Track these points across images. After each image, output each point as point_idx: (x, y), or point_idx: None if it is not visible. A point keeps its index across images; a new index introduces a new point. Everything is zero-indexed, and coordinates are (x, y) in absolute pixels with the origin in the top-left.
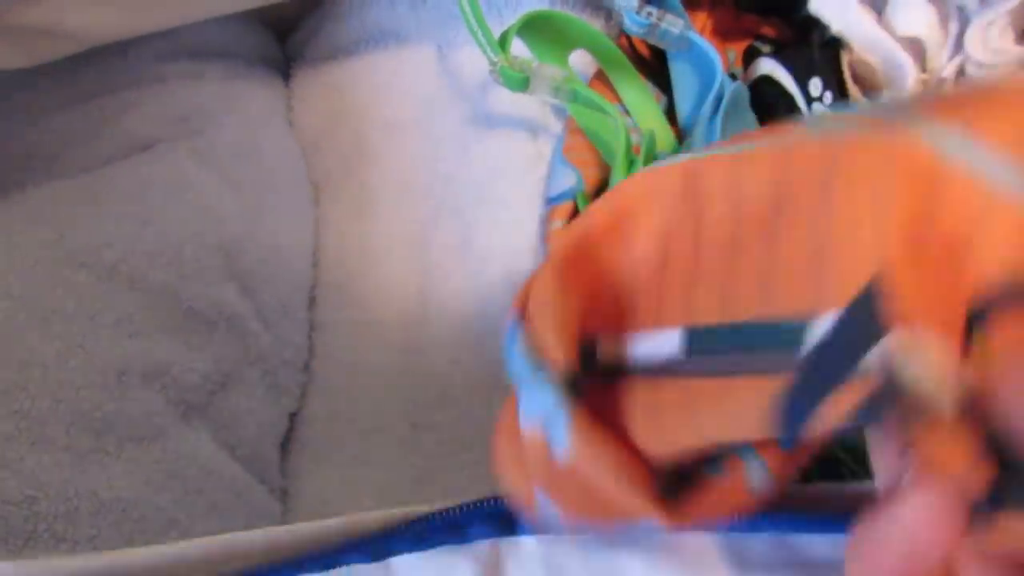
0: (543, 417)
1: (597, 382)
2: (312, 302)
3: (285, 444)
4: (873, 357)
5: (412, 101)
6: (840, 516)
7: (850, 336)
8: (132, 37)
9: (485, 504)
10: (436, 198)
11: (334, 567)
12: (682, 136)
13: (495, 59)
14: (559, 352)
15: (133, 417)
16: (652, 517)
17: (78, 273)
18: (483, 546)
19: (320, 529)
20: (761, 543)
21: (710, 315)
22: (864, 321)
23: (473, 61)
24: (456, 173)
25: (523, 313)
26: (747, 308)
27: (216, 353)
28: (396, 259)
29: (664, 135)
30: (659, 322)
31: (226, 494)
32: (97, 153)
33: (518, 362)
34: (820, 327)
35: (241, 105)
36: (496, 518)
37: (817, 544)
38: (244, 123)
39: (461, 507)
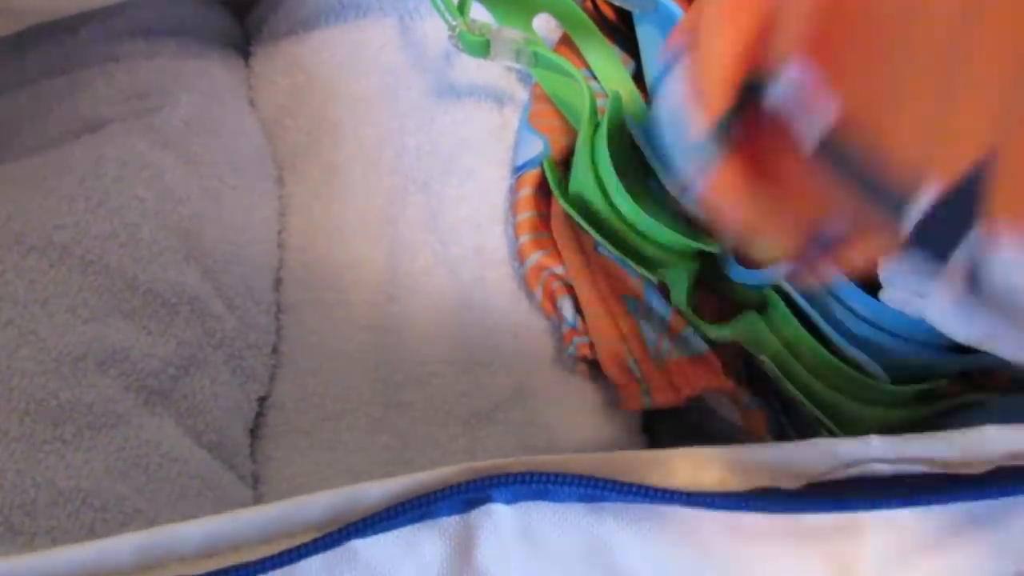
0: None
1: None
2: (279, 283)
3: (255, 429)
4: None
5: (376, 74)
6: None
7: (943, 223)
8: (80, 13)
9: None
10: (403, 173)
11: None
12: (651, 100)
13: (453, 23)
14: (720, 88)
15: (91, 404)
16: None
17: (28, 257)
18: (451, 521)
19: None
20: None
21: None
22: (959, 208)
23: (437, 31)
24: (422, 146)
25: (687, 42)
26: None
27: (178, 337)
28: (364, 236)
29: (632, 98)
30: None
31: (192, 481)
32: (47, 135)
33: (673, 97)
34: (920, 204)
35: (197, 83)
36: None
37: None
38: (201, 101)
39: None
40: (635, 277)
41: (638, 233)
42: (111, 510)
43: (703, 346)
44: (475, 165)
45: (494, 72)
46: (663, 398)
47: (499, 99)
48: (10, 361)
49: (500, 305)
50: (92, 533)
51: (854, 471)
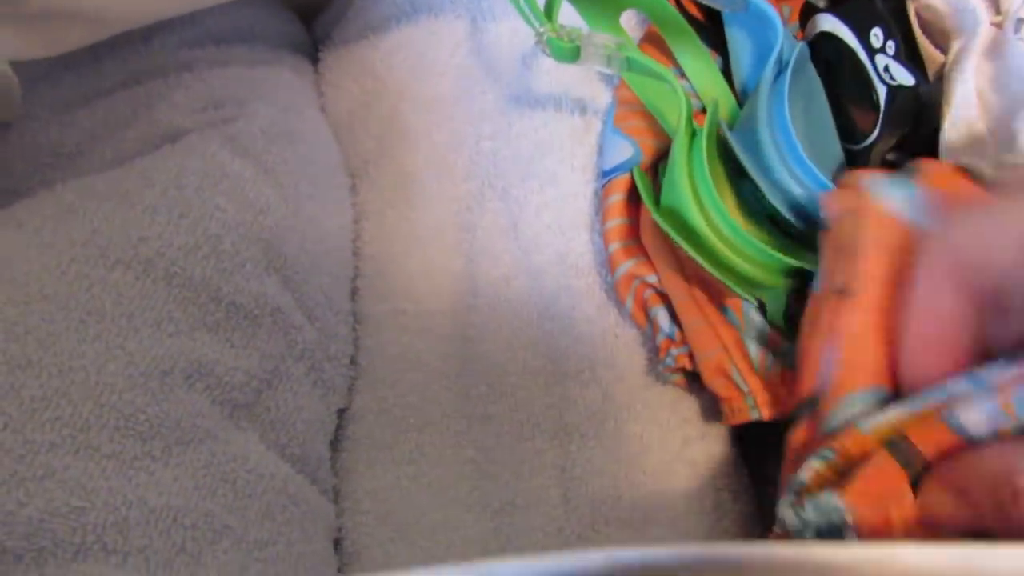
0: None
1: None
2: (355, 293)
3: (335, 442)
4: None
5: (449, 77)
6: None
7: None
8: (153, 22)
9: None
10: (479, 178)
11: None
12: (741, 100)
13: (541, 29)
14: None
15: (179, 420)
16: None
17: (114, 271)
18: None
19: None
20: None
21: None
22: None
23: (511, 32)
24: (500, 150)
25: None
26: None
27: (261, 349)
28: (440, 244)
29: (726, 101)
30: None
31: (278, 497)
32: (126, 146)
33: None
34: None
35: (271, 91)
36: None
37: None
38: (276, 110)
39: None
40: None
41: (735, 250)
42: (201, 528)
43: None
44: (556, 170)
45: (572, 73)
46: (770, 412)
47: (579, 101)
48: (99, 377)
49: (587, 314)
50: (183, 552)
51: None
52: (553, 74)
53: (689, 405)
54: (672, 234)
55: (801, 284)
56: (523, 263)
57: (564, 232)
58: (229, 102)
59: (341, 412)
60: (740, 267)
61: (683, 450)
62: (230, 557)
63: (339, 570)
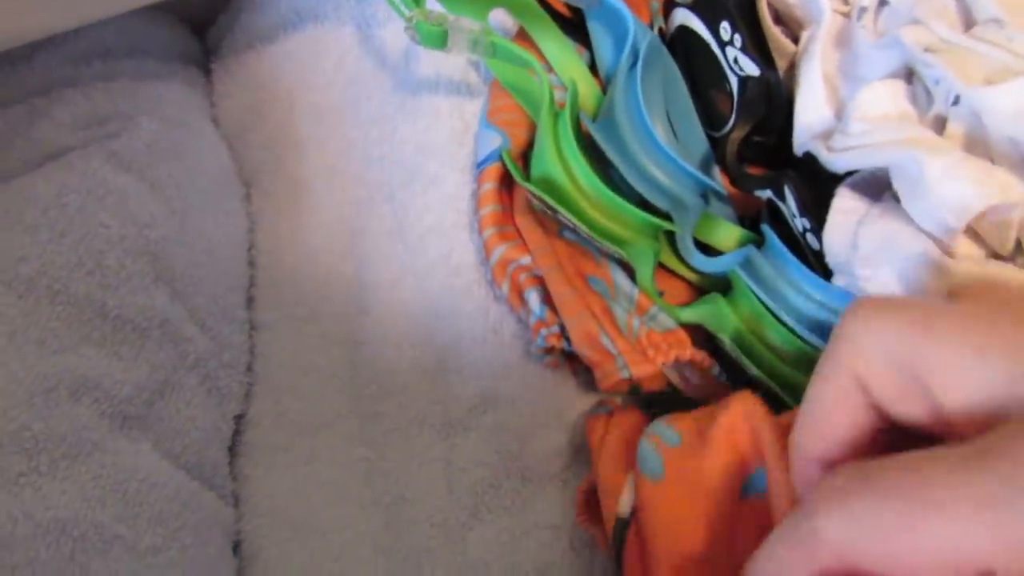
0: None
1: None
2: (251, 302)
3: (233, 447)
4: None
5: (336, 85)
6: None
7: None
8: (37, 40)
9: None
10: (368, 183)
11: None
12: (605, 87)
13: (409, 14)
14: None
15: (65, 434)
16: None
17: None
18: None
19: None
20: None
21: None
22: None
23: (395, 37)
24: (386, 155)
25: None
26: None
27: (150, 361)
28: (331, 250)
29: (587, 86)
30: None
31: (171, 504)
32: (9, 166)
33: None
34: None
35: (157, 104)
36: None
37: None
38: (162, 122)
39: None
40: (600, 259)
41: (602, 210)
42: (90, 538)
43: (671, 322)
44: (439, 172)
45: (454, 75)
46: (640, 370)
47: (460, 103)
48: None
49: (468, 312)
50: (72, 562)
51: None
52: (435, 79)
53: (567, 393)
54: (542, 195)
55: (669, 254)
56: (409, 265)
57: (446, 233)
58: (114, 117)
59: (239, 418)
60: (606, 226)
61: (564, 439)
62: (121, 565)
63: (238, 572)
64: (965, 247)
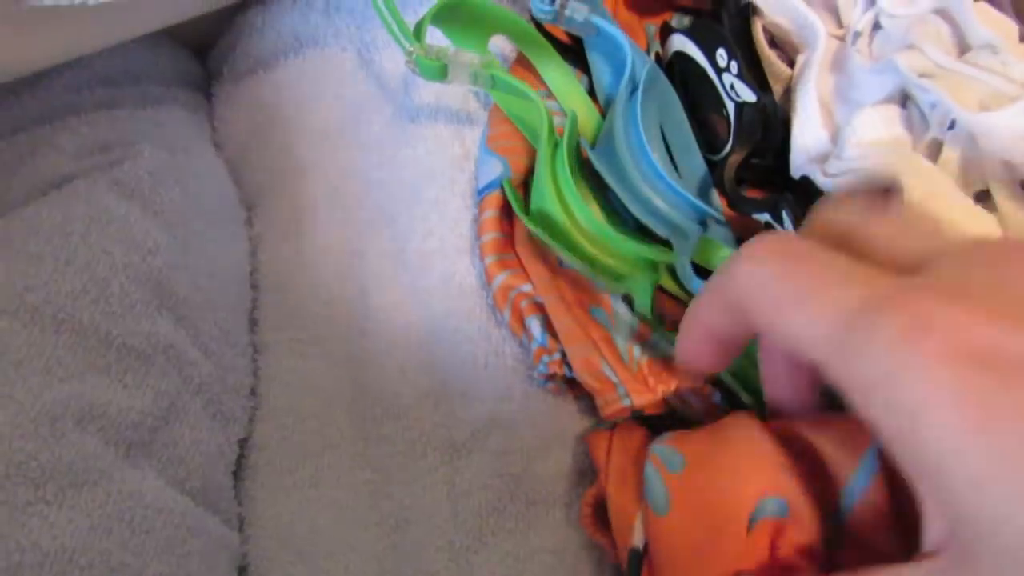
0: None
1: None
2: (254, 324)
3: (238, 471)
4: None
5: (337, 109)
6: None
7: None
8: (41, 70)
9: None
10: (369, 207)
11: None
12: (604, 113)
13: (410, 48)
14: None
15: (71, 463)
16: None
17: None
18: None
19: None
20: None
21: None
22: None
23: (395, 62)
24: (387, 179)
25: None
26: None
27: (155, 387)
28: (334, 273)
29: (587, 112)
30: None
31: (177, 530)
32: (12, 195)
33: None
34: None
35: (159, 130)
36: None
37: None
38: (164, 149)
39: None
40: (601, 288)
41: (599, 246)
42: (97, 566)
43: (672, 350)
44: (440, 196)
45: (454, 101)
46: (641, 399)
47: (460, 128)
48: None
49: (470, 335)
50: None
51: None
52: (435, 103)
53: (569, 415)
54: (539, 234)
55: (668, 281)
56: (411, 288)
57: (448, 256)
58: (116, 145)
59: (244, 441)
60: (602, 260)
61: (568, 461)
62: None
63: None
64: None
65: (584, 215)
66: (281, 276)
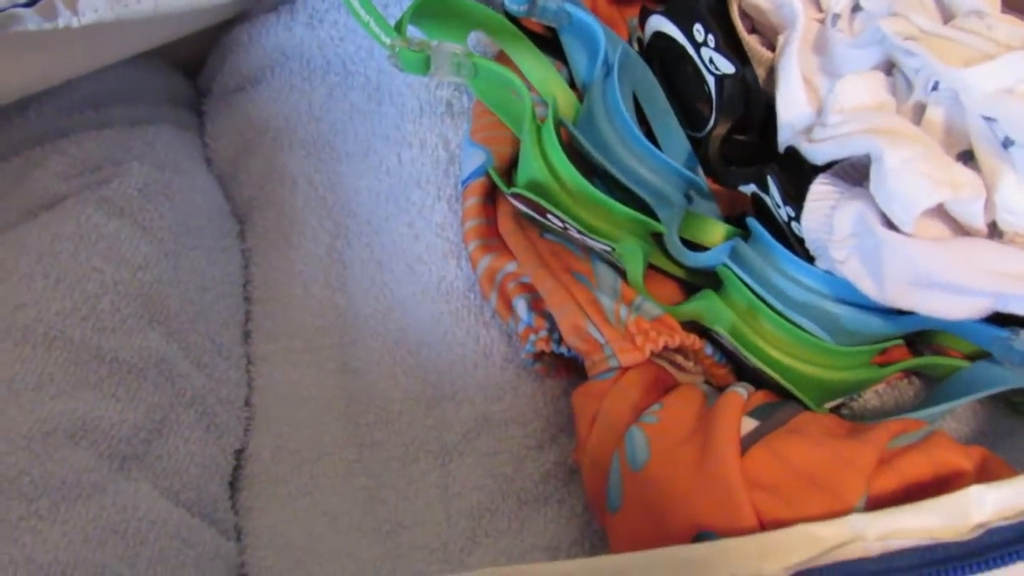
0: None
1: None
2: (248, 336)
3: (234, 481)
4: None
5: (324, 121)
6: None
7: None
8: (30, 94)
9: None
10: (356, 215)
11: None
12: (583, 99)
13: (391, 42)
14: None
15: (64, 477)
16: None
17: None
18: None
19: None
20: None
21: None
22: None
23: (378, 74)
24: (373, 187)
25: None
26: None
27: (147, 401)
28: (323, 282)
29: (567, 98)
30: None
31: (172, 541)
32: (4, 217)
33: None
34: None
35: (149, 149)
36: None
37: None
38: (153, 166)
39: None
40: (581, 256)
41: (590, 209)
42: None
43: (658, 310)
44: (425, 202)
45: (438, 110)
46: (628, 357)
47: (444, 135)
48: None
49: (458, 338)
50: None
51: (841, 553)
52: (418, 113)
53: (560, 415)
54: (534, 197)
55: (659, 255)
56: (399, 294)
57: (435, 261)
58: (106, 164)
59: (239, 452)
60: (593, 223)
61: (559, 462)
62: None
63: None
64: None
65: (571, 177)
66: (272, 287)
